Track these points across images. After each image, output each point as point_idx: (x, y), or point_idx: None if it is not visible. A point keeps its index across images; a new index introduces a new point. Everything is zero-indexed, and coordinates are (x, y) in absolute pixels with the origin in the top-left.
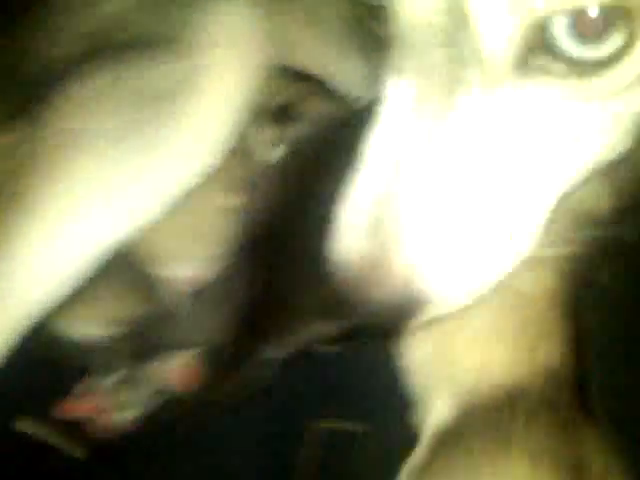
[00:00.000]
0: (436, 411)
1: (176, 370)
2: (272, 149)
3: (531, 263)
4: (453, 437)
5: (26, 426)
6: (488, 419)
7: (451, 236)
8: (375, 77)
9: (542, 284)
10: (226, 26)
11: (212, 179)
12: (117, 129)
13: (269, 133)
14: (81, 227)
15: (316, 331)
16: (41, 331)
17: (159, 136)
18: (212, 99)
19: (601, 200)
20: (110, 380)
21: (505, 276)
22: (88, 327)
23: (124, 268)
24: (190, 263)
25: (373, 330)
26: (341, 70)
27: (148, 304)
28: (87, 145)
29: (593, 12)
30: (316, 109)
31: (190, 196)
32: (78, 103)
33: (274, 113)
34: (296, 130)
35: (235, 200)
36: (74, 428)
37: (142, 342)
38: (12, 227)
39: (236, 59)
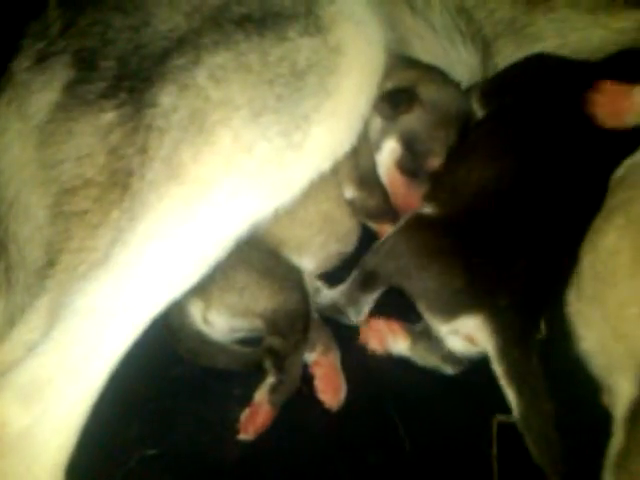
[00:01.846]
0: (623, 391)
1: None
2: (384, 138)
3: None
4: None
5: None
6: None
7: None
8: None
9: None
10: (351, 5)
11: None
12: (250, 105)
13: (382, 119)
14: (213, 208)
15: None
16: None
17: (298, 115)
18: (351, 80)
19: None
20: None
21: None
22: (228, 319)
23: (263, 255)
24: (314, 256)
25: None
26: (451, 58)
27: (290, 295)
28: (222, 121)
29: None
30: (430, 95)
31: (318, 185)
32: (203, 79)
33: (388, 98)
34: (411, 119)
35: (353, 193)
36: None
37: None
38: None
39: (364, 38)
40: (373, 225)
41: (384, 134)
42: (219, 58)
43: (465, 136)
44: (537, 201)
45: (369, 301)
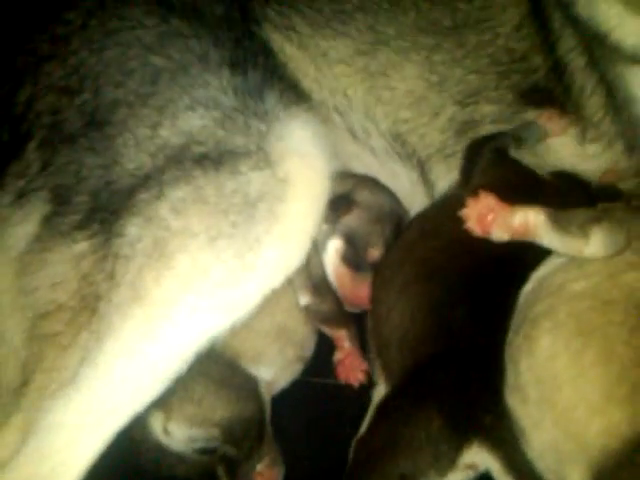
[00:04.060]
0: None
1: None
2: (329, 239)
3: (623, 333)
4: None
5: None
6: (622, 469)
7: None
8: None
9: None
10: (298, 140)
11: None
12: (207, 232)
13: (325, 226)
14: (174, 326)
15: None
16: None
17: (251, 239)
18: (298, 206)
19: None
20: None
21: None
22: (186, 429)
23: (220, 367)
24: (270, 366)
25: None
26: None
27: (246, 404)
28: (181, 247)
29: None
30: (365, 197)
31: (272, 297)
32: (165, 211)
33: (329, 205)
34: (350, 219)
35: (308, 300)
36: None
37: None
38: (106, 330)
39: (310, 168)
40: (328, 331)
41: (329, 235)
42: (180, 192)
43: (398, 234)
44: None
45: None
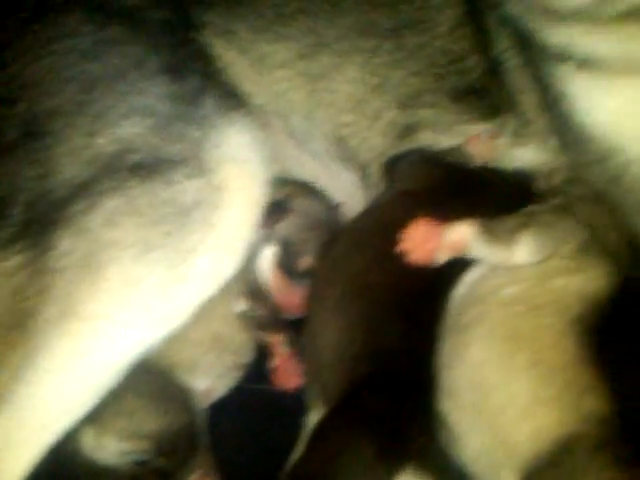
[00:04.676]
0: None
1: None
2: (265, 245)
3: (552, 336)
4: None
5: None
6: (550, 468)
7: None
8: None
9: (568, 355)
10: (235, 147)
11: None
12: (140, 244)
13: (261, 232)
14: (106, 340)
15: None
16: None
17: (184, 249)
18: (234, 213)
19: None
20: None
21: None
22: (117, 443)
23: (152, 379)
24: (206, 375)
25: None
26: (332, 181)
27: (178, 416)
28: (112, 260)
29: None
30: (300, 204)
31: (208, 305)
32: (98, 223)
33: (266, 211)
34: (285, 226)
35: (244, 306)
36: None
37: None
38: (37, 343)
39: (247, 175)
40: (264, 336)
41: (264, 242)
42: (113, 203)
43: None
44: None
45: None
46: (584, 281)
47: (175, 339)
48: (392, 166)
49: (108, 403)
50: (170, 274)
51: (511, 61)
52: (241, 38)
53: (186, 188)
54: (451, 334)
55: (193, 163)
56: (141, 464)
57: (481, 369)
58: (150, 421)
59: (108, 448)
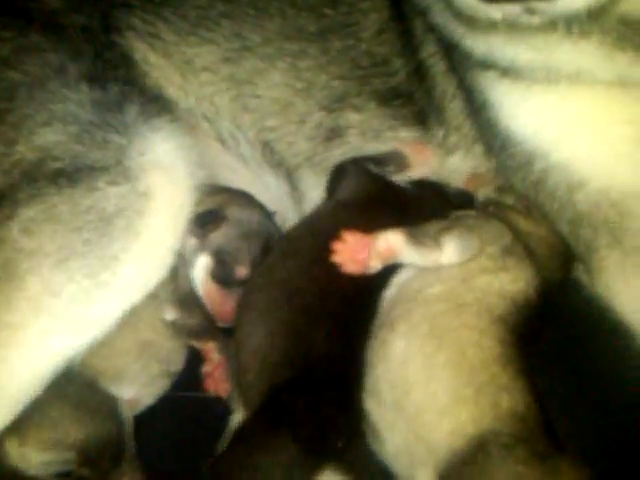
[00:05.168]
0: None
1: None
2: (198, 255)
3: (474, 335)
4: None
5: None
6: (465, 466)
7: None
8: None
9: (489, 353)
10: (160, 153)
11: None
12: (59, 252)
13: (194, 240)
14: (26, 350)
15: None
16: None
17: (106, 257)
18: (159, 220)
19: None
20: None
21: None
22: (40, 453)
23: (77, 387)
24: (133, 383)
25: None
26: (262, 187)
27: (104, 425)
28: (31, 268)
29: None
30: (234, 214)
31: (134, 312)
32: (15, 232)
33: (198, 220)
34: (219, 235)
35: (174, 314)
36: None
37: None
38: None
39: (172, 182)
40: (196, 344)
41: (197, 251)
42: (32, 211)
43: (267, 251)
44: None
45: None
46: (507, 282)
47: (101, 347)
48: (332, 177)
49: (32, 413)
50: (92, 282)
51: (437, 66)
52: (164, 42)
53: (109, 195)
54: (379, 331)
55: (116, 170)
56: (65, 475)
57: (402, 367)
58: (74, 430)
59: (31, 458)
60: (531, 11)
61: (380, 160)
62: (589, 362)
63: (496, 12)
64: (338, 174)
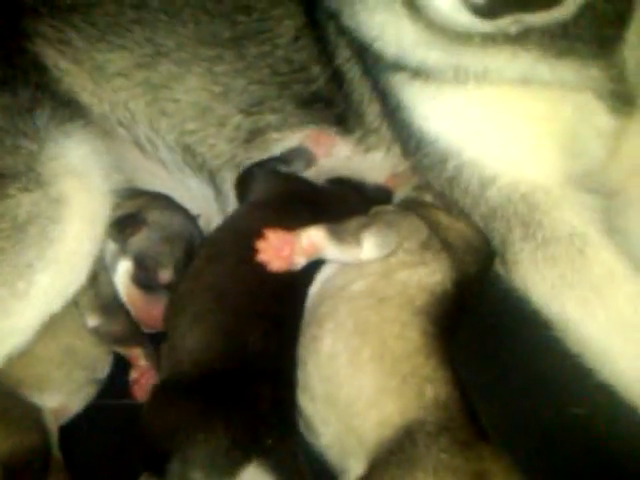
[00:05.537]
0: (355, 473)
1: None
2: (119, 260)
3: (396, 328)
4: (365, 478)
5: None
6: (393, 454)
7: None
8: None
9: (412, 345)
10: (74, 159)
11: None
12: None
13: (114, 244)
14: None
15: None
16: None
17: (20, 265)
18: (73, 227)
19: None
20: None
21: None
22: None
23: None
24: (57, 391)
25: None
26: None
27: (28, 435)
28: None
29: None
30: (154, 217)
31: (55, 320)
32: None
33: (118, 224)
34: (139, 239)
35: (97, 321)
36: None
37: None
38: None
39: (86, 188)
40: (122, 351)
41: (118, 256)
42: None
43: (190, 254)
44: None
45: None
46: (426, 274)
47: (21, 356)
48: (240, 182)
49: None
50: (7, 291)
51: (353, 70)
52: (75, 48)
53: (20, 202)
54: (308, 328)
55: (27, 176)
56: None
57: (331, 362)
58: None
59: None
60: (520, 22)
61: (286, 158)
62: (506, 351)
63: (488, 26)
64: (246, 179)
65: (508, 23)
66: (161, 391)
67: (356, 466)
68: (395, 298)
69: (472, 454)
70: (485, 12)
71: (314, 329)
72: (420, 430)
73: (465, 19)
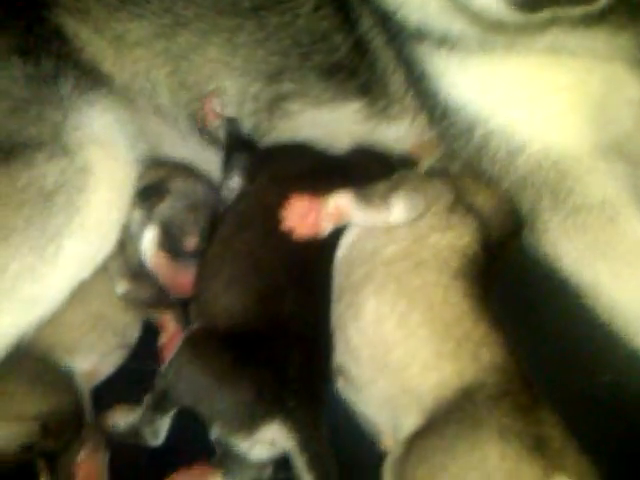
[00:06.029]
0: (409, 425)
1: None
2: (145, 228)
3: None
4: (423, 432)
5: None
6: (453, 413)
7: None
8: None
9: (459, 309)
10: (98, 127)
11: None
12: (3, 228)
13: (140, 213)
14: None
15: None
16: None
17: (48, 232)
18: (100, 195)
19: None
20: None
21: None
22: (3, 424)
23: (32, 361)
24: (88, 355)
25: None
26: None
27: (61, 397)
28: None
29: None
30: (177, 186)
31: (86, 286)
32: None
33: (142, 193)
34: (164, 207)
35: (126, 287)
36: None
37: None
38: None
39: (111, 157)
40: (151, 316)
41: (144, 224)
42: None
43: (214, 222)
44: (290, 301)
45: (165, 422)
46: (454, 237)
47: (53, 321)
48: (255, 160)
49: None
50: (36, 258)
51: (377, 40)
52: (95, 17)
53: (47, 172)
54: (343, 294)
55: (53, 145)
56: (28, 447)
57: (378, 326)
58: (33, 403)
59: None
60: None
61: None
62: (535, 320)
63: (523, 18)
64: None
65: (544, 15)
66: (192, 340)
67: (409, 422)
68: (431, 261)
69: (532, 418)
70: (525, 7)
71: (351, 294)
72: (481, 392)
73: (501, 10)
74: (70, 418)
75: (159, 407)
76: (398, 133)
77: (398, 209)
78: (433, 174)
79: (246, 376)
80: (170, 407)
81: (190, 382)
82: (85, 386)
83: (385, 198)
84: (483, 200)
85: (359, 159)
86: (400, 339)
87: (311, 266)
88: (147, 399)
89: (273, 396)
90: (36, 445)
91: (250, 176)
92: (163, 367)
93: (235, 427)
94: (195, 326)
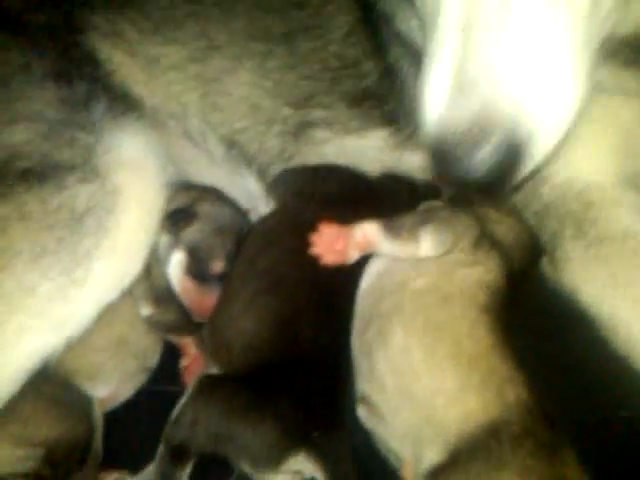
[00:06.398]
0: (427, 459)
1: None
2: (172, 252)
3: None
4: (447, 467)
5: None
6: (479, 450)
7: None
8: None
9: (484, 343)
10: (128, 151)
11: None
12: (32, 250)
13: (167, 237)
14: (2, 348)
15: None
16: None
17: (78, 254)
18: (129, 217)
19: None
20: None
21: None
22: (12, 448)
23: (51, 386)
24: (109, 381)
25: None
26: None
27: (75, 424)
28: (4, 267)
29: None
30: (206, 210)
31: (111, 309)
32: None
33: (170, 217)
34: (192, 232)
35: (150, 310)
36: None
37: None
38: None
39: (141, 179)
40: (174, 339)
41: (171, 248)
42: (1, 210)
43: (240, 244)
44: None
45: (184, 475)
46: (482, 272)
47: (77, 345)
48: (284, 178)
49: (4, 408)
50: (66, 278)
51: (404, 68)
52: (128, 41)
53: (78, 193)
54: (371, 321)
55: (85, 168)
56: (24, 475)
57: (405, 356)
58: (46, 428)
59: (1, 453)
60: None
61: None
62: (553, 353)
63: None
64: (289, 175)
65: None
66: (205, 384)
67: (431, 454)
68: (458, 296)
69: (556, 459)
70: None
71: (380, 322)
72: (506, 430)
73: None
74: (77, 448)
75: (178, 460)
76: (423, 161)
77: (426, 244)
78: (456, 202)
79: (268, 413)
80: (190, 458)
81: (209, 427)
82: (100, 415)
83: (414, 232)
84: (505, 230)
85: (388, 184)
86: (426, 370)
87: (333, 289)
88: (160, 455)
89: (297, 428)
90: (33, 473)
91: (280, 195)
92: (173, 417)
93: (262, 464)
94: (204, 373)
